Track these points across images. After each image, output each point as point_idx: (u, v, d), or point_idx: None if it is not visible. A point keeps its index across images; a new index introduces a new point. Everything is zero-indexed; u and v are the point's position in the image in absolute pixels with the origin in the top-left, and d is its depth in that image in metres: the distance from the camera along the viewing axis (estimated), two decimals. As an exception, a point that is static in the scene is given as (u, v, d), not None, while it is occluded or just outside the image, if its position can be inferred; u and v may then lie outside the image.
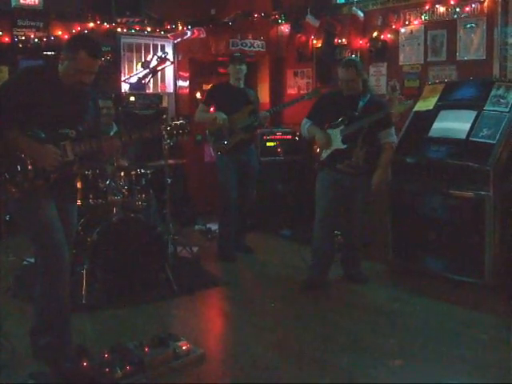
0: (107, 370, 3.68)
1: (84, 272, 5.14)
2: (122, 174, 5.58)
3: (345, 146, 5.42)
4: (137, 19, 8.37)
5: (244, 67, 6.61)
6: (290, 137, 8.16)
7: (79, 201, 5.24)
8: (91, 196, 5.42)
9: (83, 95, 3.99)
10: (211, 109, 6.62)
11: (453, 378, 3.85)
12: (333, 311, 5.14)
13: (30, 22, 7.67)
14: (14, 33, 7.56)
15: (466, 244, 5.48)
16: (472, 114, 5.71)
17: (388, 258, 6.12)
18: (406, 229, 5.94)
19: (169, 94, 9.01)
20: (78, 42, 3.86)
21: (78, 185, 5.27)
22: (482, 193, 5.33)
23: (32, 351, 4.05)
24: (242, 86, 6.67)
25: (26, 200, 3.80)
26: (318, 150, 5.64)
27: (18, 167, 3.74)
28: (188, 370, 3.93)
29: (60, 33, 7.84)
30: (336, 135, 5.48)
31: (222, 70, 8.66)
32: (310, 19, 8.09)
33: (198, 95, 8.90)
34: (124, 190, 5.53)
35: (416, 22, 6.99)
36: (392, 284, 5.80)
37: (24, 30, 7.61)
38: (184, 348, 4.02)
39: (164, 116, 5.97)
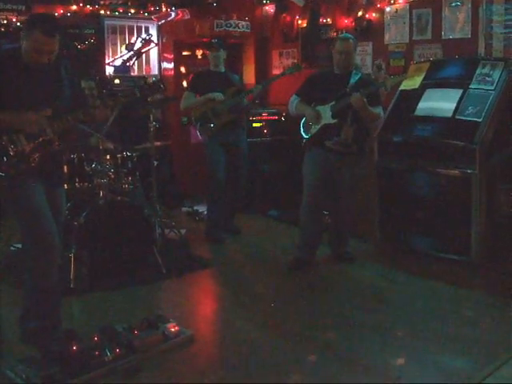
0: (97, 353, 3.70)
1: (71, 256, 5.12)
2: (108, 157, 5.55)
3: (334, 121, 5.41)
4: (120, 1, 8.30)
5: (221, 53, 6.59)
6: (275, 117, 8.13)
7: (65, 184, 5.20)
8: (77, 180, 5.40)
9: (53, 71, 3.90)
10: (197, 95, 6.59)
11: (439, 354, 3.88)
12: (321, 290, 5.18)
13: (12, 6, 7.56)
14: (-4, 16, 7.49)
15: (452, 222, 5.52)
16: (458, 93, 5.71)
17: (375, 237, 6.15)
18: (393, 207, 5.97)
19: (154, 76, 8.95)
20: (33, 21, 3.77)
21: (64, 168, 5.24)
22: (469, 171, 5.35)
23: (21, 335, 4.04)
24: (223, 70, 6.65)
25: (13, 187, 3.76)
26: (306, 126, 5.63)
27: (4, 158, 3.69)
28: (177, 352, 3.95)
29: (42, 16, 7.74)
30: (326, 110, 5.46)
31: (206, 52, 8.65)
32: (294, -1, 8.06)
33: (183, 70, 8.86)
34: (110, 173, 5.50)
35: (401, 1, 6.96)
36: (379, 262, 5.82)
37: (5, 13, 7.51)
38: (173, 330, 4.03)
39: (149, 98, 5.93)
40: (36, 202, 3.81)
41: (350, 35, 5.75)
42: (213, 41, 6.67)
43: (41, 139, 3.76)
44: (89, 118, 3.91)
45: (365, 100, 5.24)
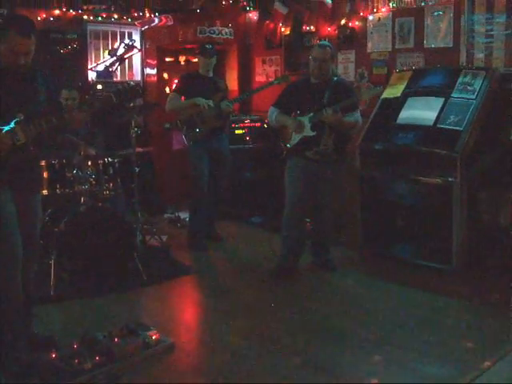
0: (76, 361, 3.66)
1: (52, 263, 5.08)
2: (90, 163, 5.52)
3: (313, 133, 5.42)
4: (103, 6, 8.27)
5: (214, 59, 6.60)
6: (258, 124, 8.14)
7: (45, 191, 5.17)
8: (58, 186, 5.34)
9: (29, 76, 3.82)
10: (182, 97, 6.58)
11: (420, 362, 3.89)
12: (303, 298, 5.16)
13: (-5, 9, 7.52)
14: (-22, 20, 7.41)
15: (434, 230, 5.55)
16: (439, 101, 5.75)
17: (357, 245, 6.16)
18: (375, 215, 5.99)
19: (136, 82, 8.91)
20: (8, 22, 3.72)
21: (45, 174, 5.20)
22: (450, 179, 5.39)
23: None
24: (211, 74, 6.65)
25: None
26: (286, 137, 5.64)
27: None
28: (158, 360, 3.92)
29: (25, 20, 7.67)
30: (305, 122, 5.48)
31: (190, 58, 8.67)
32: (278, 6, 8.08)
33: (166, 76, 8.87)
34: (91, 180, 5.47)
35: (384, 10, 7.00)
36: (361, 270, 5.83)
37: (-13, 17, 7.46)
38: (154, 338, 4.01)
39: (131, 104, 5.92)
40: (4, 213, 3.67)
41: (327, 43, 5.77)
42: (206, 46, 6.62)
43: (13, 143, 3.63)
44: (62, 122, 3.84)
45: (338, 115, 5.26)
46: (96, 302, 4.98)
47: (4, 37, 3.62)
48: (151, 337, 4.00)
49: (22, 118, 3.66)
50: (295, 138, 5.54)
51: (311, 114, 5.42)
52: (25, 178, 3.84)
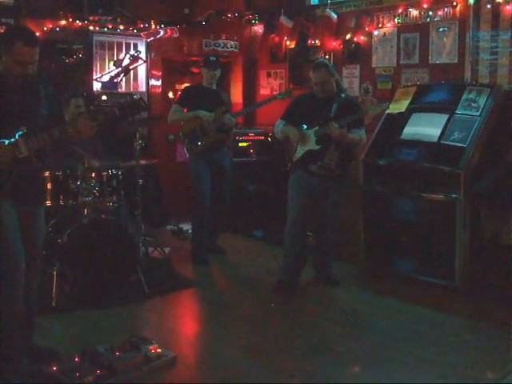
0: (77, 374, 3.66)
1: (54, 274, 5.07)
2: (93, 174, 5.51)
3: (318, 147, 5.43)
4: (109, 17, 8.29)
5: (218, 72, 6.61)
6: (262, 137, 8.15)
7: (49, 202, 5.16)
8: (61, 197, 5.33)
9: (31, 88, 3.82)
10: (185, 110, 6.59)
11: (421, 379, 3.88)
12: (304, 313, 5.16)
13: (1, 19, 7.52)
14: (-16, 30, 7.44)
15: (436, 246, 5.54)
16: (444, 118, 5.75)
17: (360, 260, 6.15)
18: (378, 231, 5.98)
19: (141, 94, 8.93)
20: (12, 34, 3.74)
21: (48, 185, 5.20)
22: (453, 196, 5.38)
23: None
24: (215, 87, 6.66)
25: None
26: (291, 150, 5.64)
27: None
28: (159, 374, 3.91)
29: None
30: (310, 136, 5.49)
31: (195, 70, 8.67)
32: (283, 20, 8.11)
33: (171, 95, 8.88)
34: (95, 191, 5.46)
35: (389, 25, 7.01)
36: (363, 285, 5.83)
37: (-6, 26, 7.49)
38: (155, 352, 4.00)
39: (136, 116, 5.91)
40: (4, 223, 3.66)
41: (323, 62, 5.74)
42: (211, 58, 6.64)
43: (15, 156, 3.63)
44: (65, 136, 3.84)
45: (343, 130, 5.27)
46: (98, 314, 4.97)
47: (10, 49, 3.64)
48: (153, 351, 3.99)
49: (25, 131, 3.66)
50: (300, 152, 5.55)
51: (317, 128, 5.43)
52: (28, 191, 3.82)
